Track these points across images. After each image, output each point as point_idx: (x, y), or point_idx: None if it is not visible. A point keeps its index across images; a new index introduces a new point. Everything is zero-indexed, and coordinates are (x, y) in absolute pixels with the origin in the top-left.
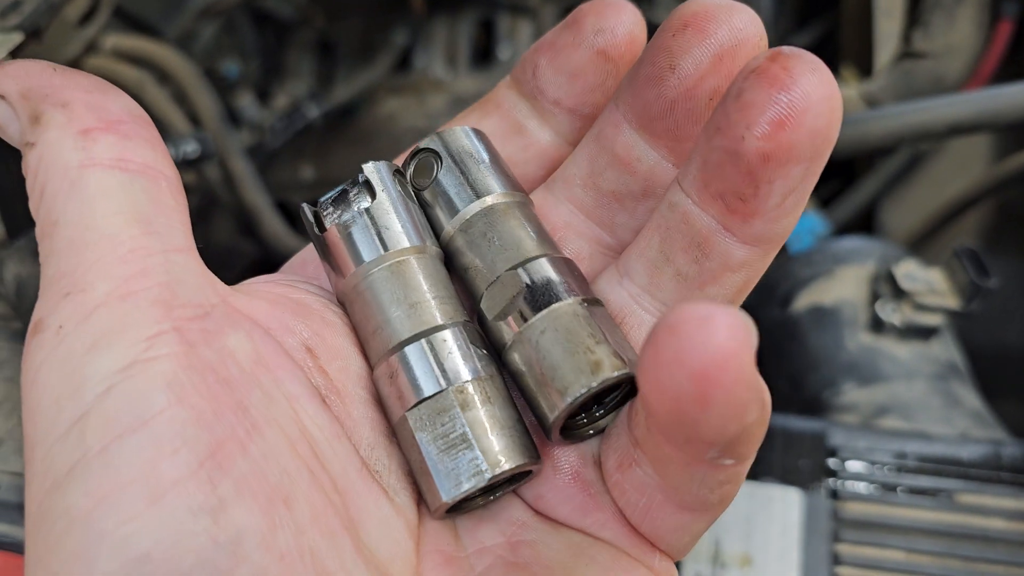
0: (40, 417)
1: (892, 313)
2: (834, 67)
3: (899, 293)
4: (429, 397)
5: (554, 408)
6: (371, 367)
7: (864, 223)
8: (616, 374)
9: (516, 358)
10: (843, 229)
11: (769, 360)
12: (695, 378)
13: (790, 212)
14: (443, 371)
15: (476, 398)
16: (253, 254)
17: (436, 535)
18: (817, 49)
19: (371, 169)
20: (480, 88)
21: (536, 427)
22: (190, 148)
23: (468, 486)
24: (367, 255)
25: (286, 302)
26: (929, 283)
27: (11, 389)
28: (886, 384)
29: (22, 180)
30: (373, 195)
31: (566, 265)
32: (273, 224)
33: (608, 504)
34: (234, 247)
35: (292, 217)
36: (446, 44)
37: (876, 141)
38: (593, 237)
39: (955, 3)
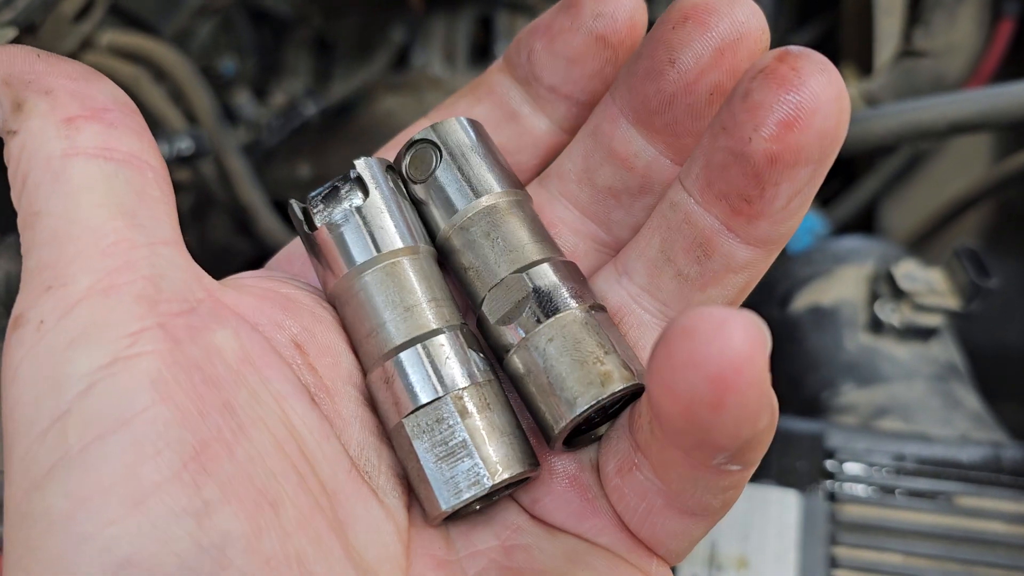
0: (20, 415)
1: (891, 313)
2: (834, 65)
3: (898, 293)
4: (427, 404)
5: (561, 419)
6: (364, 371)
7: (864, 223)
8: (625, 386)
9: (520, 365)
10: (843, 228)
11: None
12: (710, 381)
13: (795, 213)
14: (440, 377)
15: (475, 405)
16: (249, 252)
17: (427, 538)
18: (817, 47)
19: (363, 166)
20: None
21: (533, 430)
22: (185, 145)
23: (468, 495)
24: (359, 256)
25: (275, 297)
26: (929, 283)
27: None
28: (885, 385)
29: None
30: (365, 193)
31: (571, 269)
32: (269, 222)
33: (606, 509)
34: (230, 245)
35: (288, 215)
36: (444, 42)
37: (876, 140)
38: (588, 234)
39: (956, 2)
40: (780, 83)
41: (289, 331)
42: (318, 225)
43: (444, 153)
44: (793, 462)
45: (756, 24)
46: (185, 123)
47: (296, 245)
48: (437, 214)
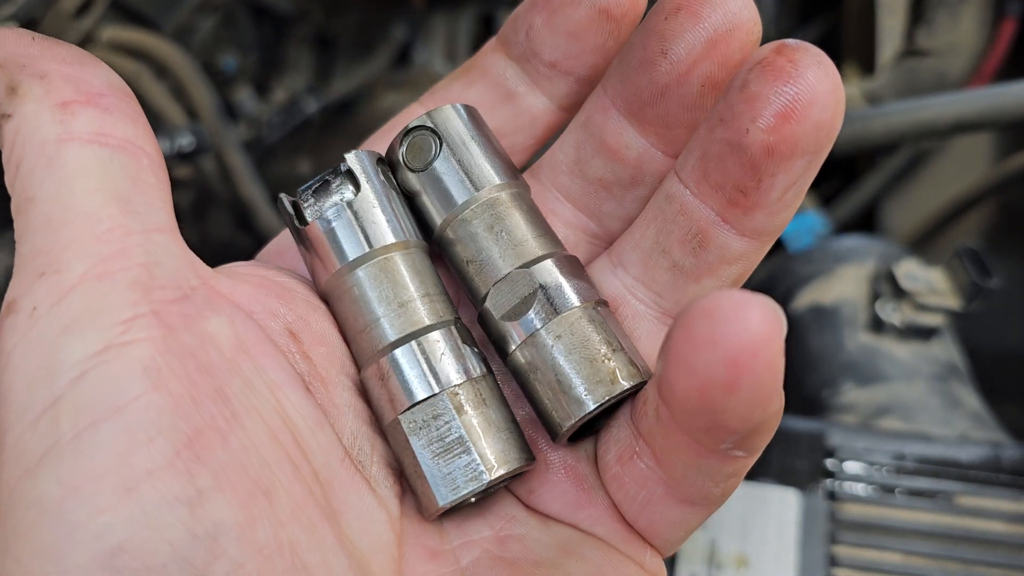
0: (12, 402)
1: (892, 313)
2: (836, 64)
3: (899, 293)
4: (423, 400)
5: (569, 417)
6: (358, 366)
7: (865, 222)
8: (633, 384)
9: (526, 361)
10: (844, 228)
11: None
12: (727, 361)
13: (790, 205)
14: (436, 373)
15: (471, 400)
16: (249, 248)
17: (420, 528)
18: (819, 46)
19: (353, 159)
20: None
21: (527, 422)
22: (185, 141)
23: (466, 491)
24: (352, 252)
25: (270, 285)
26: (930, 283)
27: None
28: (885, 384)
29: None
30: (356, 186)
31: (574, 265)
32: (269, 219)
33: (602, 499)
34: (230, 241)
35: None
36: (446, 39)
37: (878, 139)
38: (579, 225)
39: (958, 1)
40: (777, 75)
41: (284, 319)
42: (309, 220)
43: (443, 142)
44: (793, 461)
45: (748, 15)
46: (186, 119)
47: (286, 238)
48: (434, 205)
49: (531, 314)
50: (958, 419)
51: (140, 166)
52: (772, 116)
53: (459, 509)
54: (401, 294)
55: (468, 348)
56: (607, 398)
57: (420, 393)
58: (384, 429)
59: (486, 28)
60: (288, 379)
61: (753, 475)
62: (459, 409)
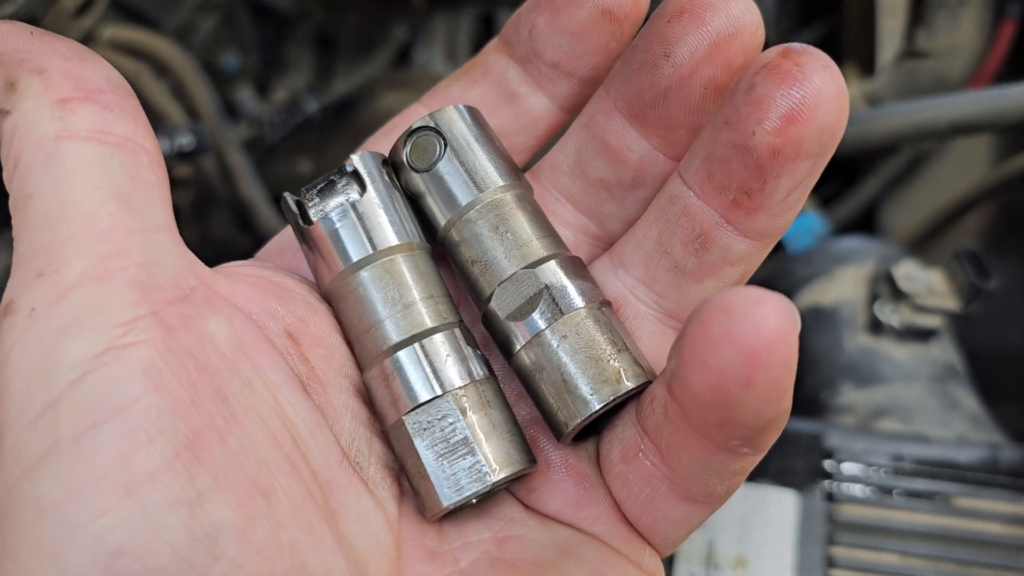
0: (11, 402)
1: (891, 314)
2: (837, 66)
3: (898, 294)
4: (427, 402)
5: (575, 416)
6: (361, 367)
7: (865, 223)
8: (639, 383)
9: (531, 362)
10: (844, 229)
11: None
12: (744, 357)
13: (793, 207)
14: (441, 375)
15: (475, 402)
16: (249, 248)
17: (419, 529)
18: (819, 47)
19: (359, 160)
20: None
21: (528, 421)
22: (185, 140)
23: (469, 492)
24: (356, 253)
25: (268, 285)
26: (928, 284)
27: None
28: (884, 386)
29: None
30: (362, 187)
31: (579, 265)
32: (270, 218)
33: (603, 498)
34: (230, 241)
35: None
36: (446, 39)
37: (878, 140)
38: (579, 226)
39: (959, 2)
40: (784, 78)
41: (282, 320)
42: (313, 219)
43: (447, 142)
44: (791, 462)
45: (751, 19)
46: (186, 119)
47: (286, 237)
48: (438, 206)
49: (536, 314)
50: (956, 420)
51: (139, 164)
52: (778, 118)
53: (459, 511)
54: (405, 296)
55: (472, 350)
56: (613, 397)
57: (425, 394)
58: (387, 430)
59: (487, 28)
60: (286, 380)
61: (751, 476)
62: (463, 411)
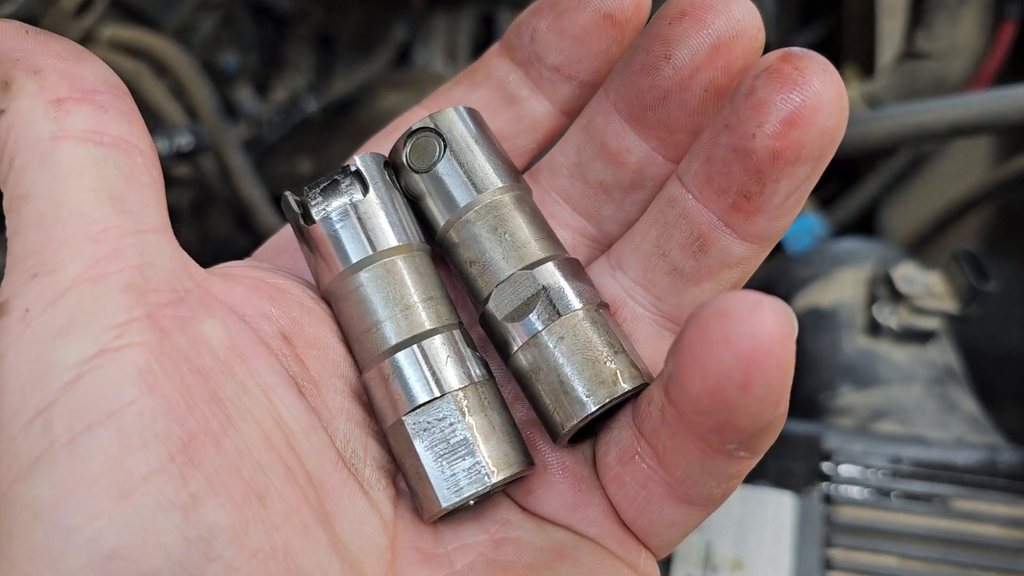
0: (4, 404)
1: (889, 316)
2: (836, 67)
3: (897, 296)
4: (427, 403)
5: (571, 417)
6: (360, 368)
7: (864, 224)
8: (635, 385)
9: (527, 363)
10: (843, 230)
11: None
12: (741, 360)
13: (792, 210)
14: (441, 376)
15: (474, 404)
16: (249, 248)
17: (414, 531)
18: (819, 48)
19: (361, 161)
20: None
21: (525, 423)
22: (184, 140)
23: (468, 493)
24: (357, 253)
25: (263, 287)
26: (927, 286)
27: None
28: (882, 387)
29: None
30: (364, 188)
31: (576, 267)
32: (269, 218)
33: (599, 500)
34: (230, 241)
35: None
36: (446, 39)
37: (877, 142)
38: (577, 228)
39: (958, 4)
40: (784, 82)
41: (277, 322)
42: (315, 219)
43: (447, 144)
44: (790, 464)
45: (752, 22)
46: (186, 118)
47: (283, 237)
48: (437, 207)
49: (533, 316)
50: (955, 422)
51: (135, 165)
52: (778, 122)
53: (455, 513)
54: (405, 297)
55: (471, 352)
56: (609, 399)
57: (424, 396)
58: (385, 431)
59: (486, 28)
60: (281, 382)
61: (749, 478)
62: (463, 412)
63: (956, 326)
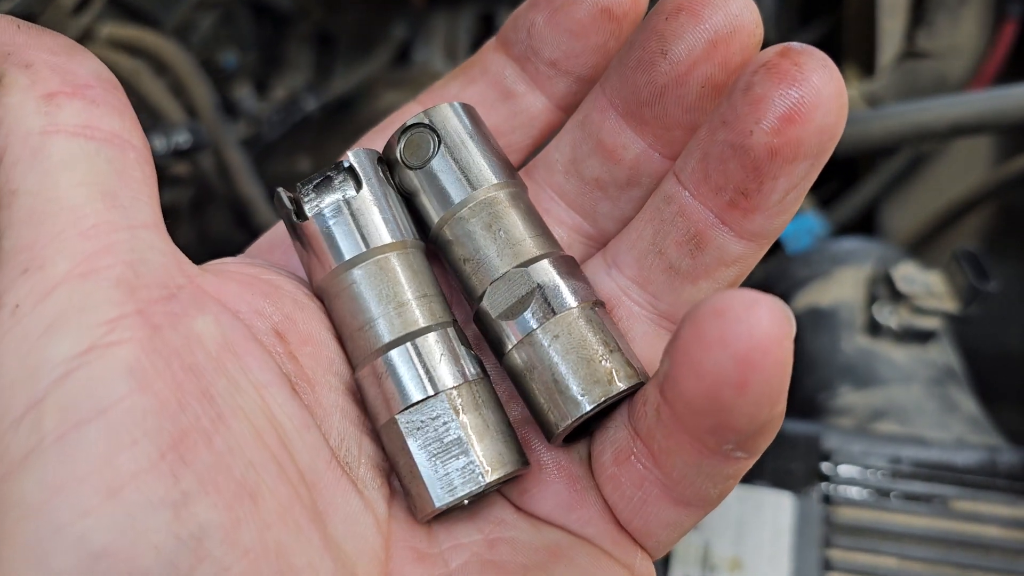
0: None
1: (889, 316)
2: (836, 66)
3: (897, 296)
4: (420, 401)
5: (566, 417)
6: (353, 365)
7: (864, 224)
8: (630, 384)
9: (522, 361)
10: (843, 230)
11: None
12: (738, 361)
13: (790, 208)
14: (434, 375)
15: (468, 403)
16: (246, 246)
17: (408, 531)
18: (819, 47)
19: (355, 157)
20: None
21: (520, 422)
22: (182, 138)
23: (463, 492)
24: (350, 250)
25: (256, 283)
26: (927, 286)
27: None
28: (882, 388)
29: None
30: (358, 184)
31: (571, 265)
32: (267, 216)
33: (594, 500)
34: (228, 239)
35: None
36: (446, 38)
37: (877, 141)
38: (573, 225)
39: (959, 3)
40: (782, 78)
41: (270, 319)
42: (308, 215)
43: (441, 140)
44: (789, 464)
45: (750, 18)
46: (185, 117)
47: (277, 233)
48: (431, 203)
49: (528, 314)
50: (954, 423)
51: (127, 160)
52: (776, 119)
53: (449, 512)
54: (399, 294)
55: (465, 350)
56: (604, 399)
57: (418, 394)
58: (378, 430)
59: (486, 27)
60: (274, 379)
61: (748, 478)
62: (456, 411)
63: (956, 326)
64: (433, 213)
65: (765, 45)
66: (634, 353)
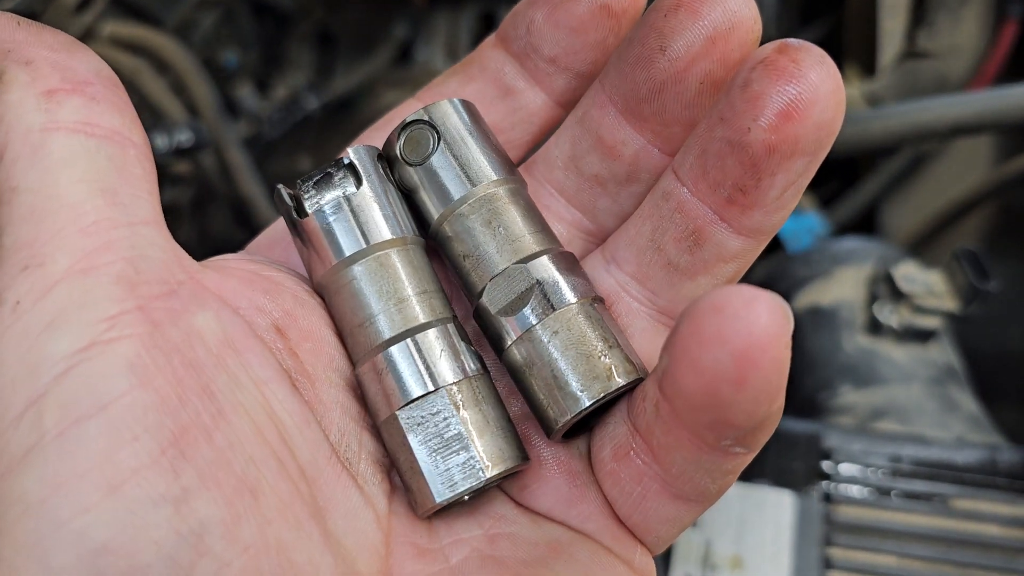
0: None
1: (890, 315)
2: (837, 65)
3: (897, 295)
4: (421, 397)
5: (565, 413)
6: (353, 361)
7: (865, 223)
8: (630, 380)
9: (522, 357)
10: (844, 229)
11: None
12: (736, 357)
13: (788, 204)
14: (435, 370)
15: (468, 398)
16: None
17: (409, 526)
18: (820, 47)
19: (355, 153)
20: None
21: (519, 417)
22: (184, 137)
23: (463, 488)
24: (350, 247)
25: (257, 279)
26: (928, 285)
27: None
28: (883, 387)
29: None
30: (358, 181)
31: (571, 261)
32: (268, 215)
33: (594, 496)
34: (229, 237)
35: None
36: (447, 37)
37: (878, 140)
38: (572, 221)
39: (960, 3)
40: (780, 74)
41: (271, 315)
42: (309, 212)
43: (441, 136)
44: (789, 463)
45: (748, 14)
46: (186, 115)
47: (277, 230)
48: (431, 200)
49: (527, 310)
50: (955, 422)
51: (127, 157)
52: (774, 115)
53: (450, 508)
54: (399, 290)
55: (465, 345)
56: (603, 394)
57: (418, 390)
58: (379, 426)
59: (487, 26)
60: (274, 375)
61: (749, 476)
62: (457, 407)
63: (957, 325)
64: (433, 209)
65: (765, 44)
66: (633, 349)
